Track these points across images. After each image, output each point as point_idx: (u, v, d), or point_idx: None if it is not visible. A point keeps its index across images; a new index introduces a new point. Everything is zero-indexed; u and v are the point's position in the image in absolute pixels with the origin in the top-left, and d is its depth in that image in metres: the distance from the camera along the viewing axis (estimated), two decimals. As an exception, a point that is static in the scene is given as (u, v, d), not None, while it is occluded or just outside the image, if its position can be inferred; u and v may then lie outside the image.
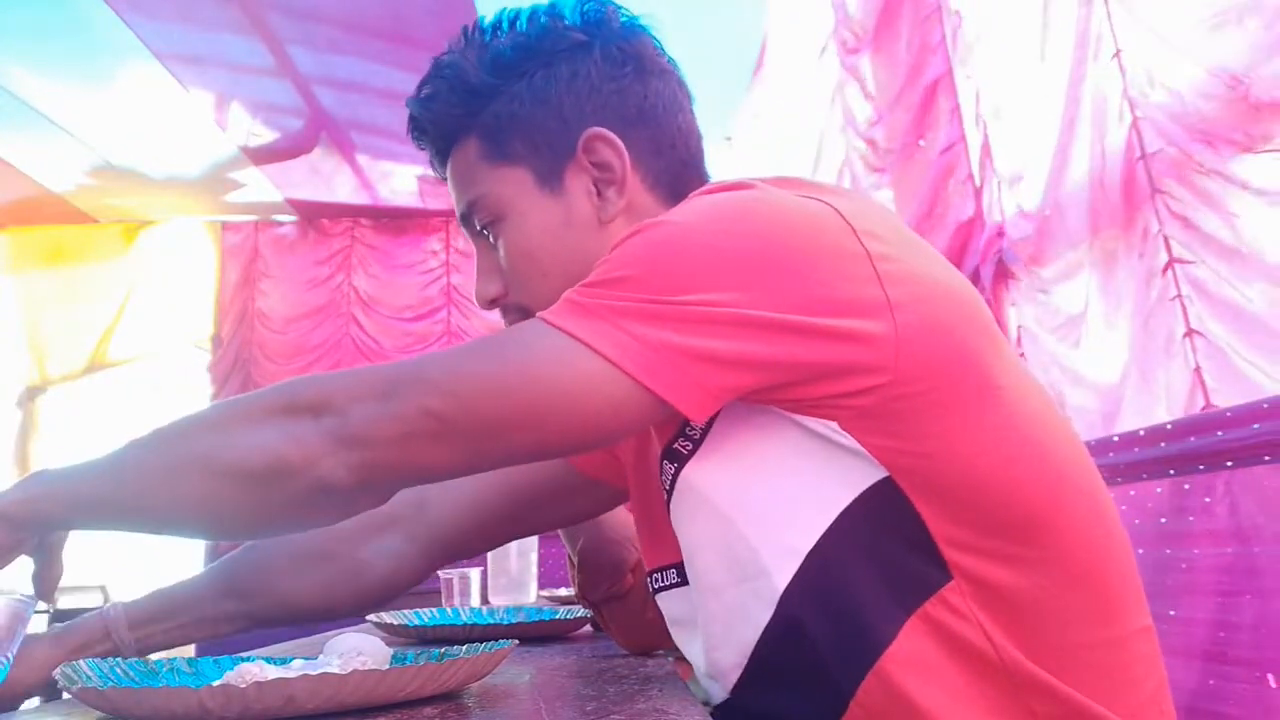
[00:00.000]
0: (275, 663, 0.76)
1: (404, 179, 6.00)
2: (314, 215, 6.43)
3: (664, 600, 0.80)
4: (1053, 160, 2.41)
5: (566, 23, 0.81)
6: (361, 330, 6.45)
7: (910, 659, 0.61)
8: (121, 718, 0.63)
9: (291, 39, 4.39)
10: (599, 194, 0.79)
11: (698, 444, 0.67)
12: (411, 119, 0.86)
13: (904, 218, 2.92)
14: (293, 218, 6.49)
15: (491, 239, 0.82)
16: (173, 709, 0.60)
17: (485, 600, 1.57)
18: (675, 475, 0.68)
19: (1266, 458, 1.59)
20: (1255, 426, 1.60)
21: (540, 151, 0.79)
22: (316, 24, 4.32)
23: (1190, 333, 1.92)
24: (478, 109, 0.80)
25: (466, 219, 0.83)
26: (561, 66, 0.80)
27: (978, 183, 2.79)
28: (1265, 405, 1.59)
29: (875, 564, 0.62)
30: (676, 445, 0.68)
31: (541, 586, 1.63)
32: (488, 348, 0.63)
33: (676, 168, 0.82)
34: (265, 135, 5.29)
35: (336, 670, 0.65)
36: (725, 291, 0.59)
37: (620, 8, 0.84)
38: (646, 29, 0.84)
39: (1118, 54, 2.14)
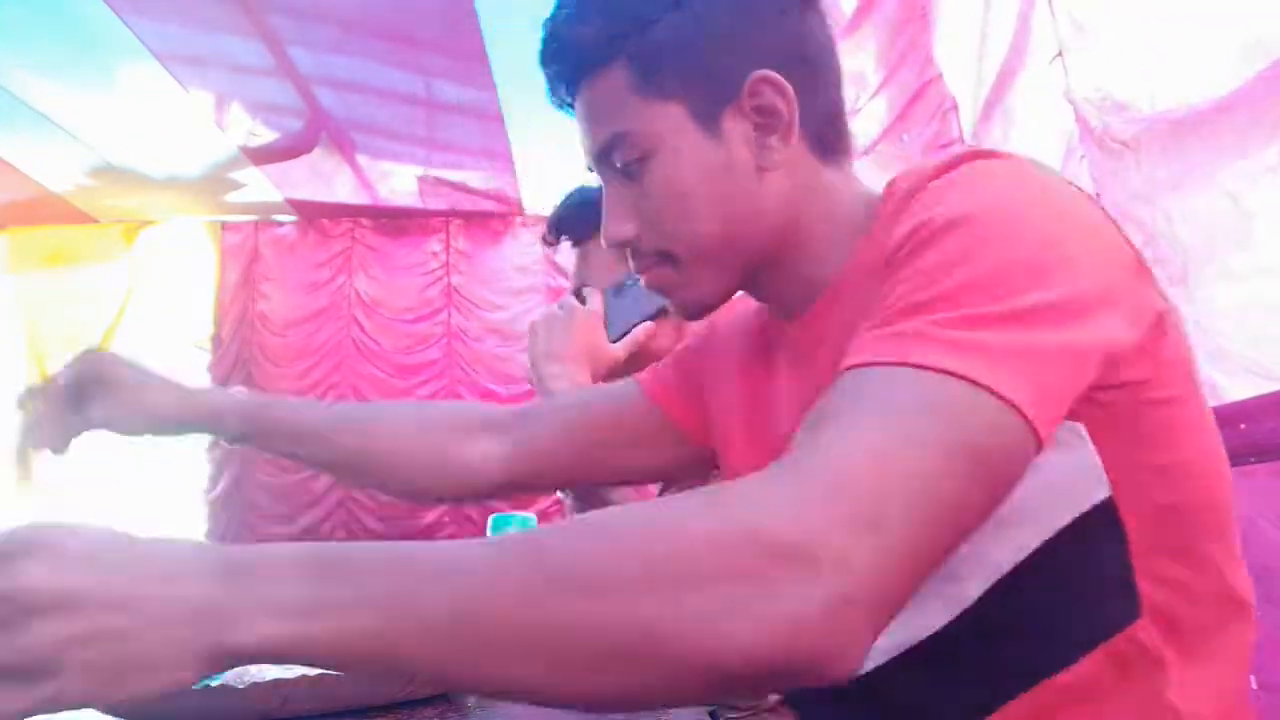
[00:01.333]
0: None
1: (404, 179, 6.00)
2: (314, 215, 6.43)
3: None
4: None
5: None
6: (361, 330, 6.45)
7: (1079, 689, 0.59)
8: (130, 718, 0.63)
9: (291, 39, 4.39)
10: (759, 140, 0.73)
11: None
12: (551, 38, 0.76)
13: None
14: (293, 218, 6.49)
15: (631, 177, 0.74)
16: (179, 708, 0.60)
17: None
18: None
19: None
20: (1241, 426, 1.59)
21: (699, 89, 0.72)
22: (316, 24, 4.31)
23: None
24: (632, 34, 0.72)
25: (604, 155, 0.75)
26: None
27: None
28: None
29: (1072, 592, 0.59)
30: None
31: None
32: (915, 430, 0.49)
33: (827, 117, 0.76)
34: (265, 135, 5.28)
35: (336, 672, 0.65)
36: (1074, 284, 0.54)
37: None
38: None
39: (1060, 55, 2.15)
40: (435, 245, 6.55)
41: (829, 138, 0.76)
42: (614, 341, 1.25)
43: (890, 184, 0.72)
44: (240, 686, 0.60)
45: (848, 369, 0.54)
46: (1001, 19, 2.39)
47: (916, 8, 2.96)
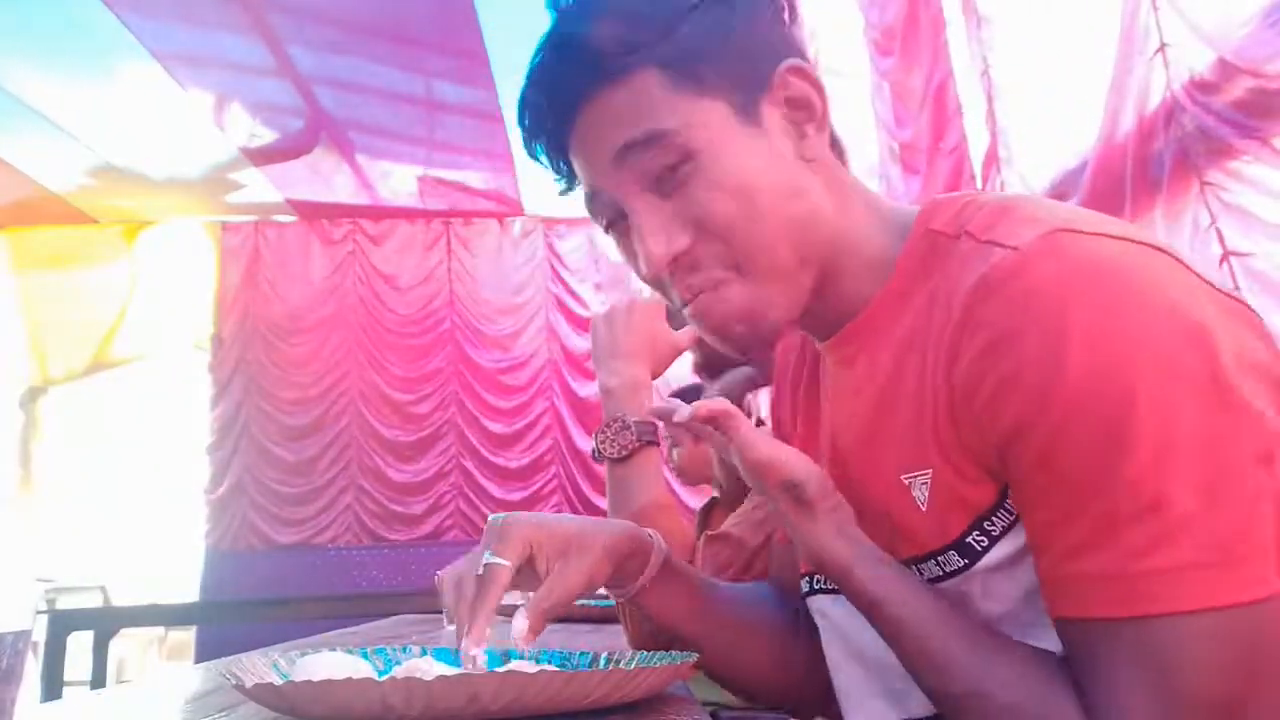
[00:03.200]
0: (442, 659, 0.72)
1: (404, 179, 6.00)
2: (314, 215, 6.43)
3: (824, 602, 0.77)
4: (1079, 158, 2.41)
5: None
6: (361, 330, 6.45)
7: None
8: (294, 716, 0.61)
9: (291, 39, 4.39)
10: (796, 130, 0.71)
11: (995, 541, 0.63)
12: (566, 40, 0.70)
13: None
14: (293, 218, 6.49)
15: (666, 184, 0.68)
16: (352, 705, 0.57)
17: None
18: (964, 568, 0.65)
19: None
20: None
21: (737, 82, 0.69)
22: (316, 24, 4.31)
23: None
24: (662, 35, 0.68)
25: (630, 153, 0.68)
26: None
27: (979, 184, 2.79)
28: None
29: None
30: (971, 539, 0.64)
31: None
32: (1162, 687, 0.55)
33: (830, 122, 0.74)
34: (265, 135, 5.28)
35: (524, 669, 0.62)
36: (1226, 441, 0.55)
37: None
38: None
39: (1162, 48, 2.14)
40: (435, 245, 6.55)
41: (835, 139, 0.74)
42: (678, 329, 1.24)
43: (929, 210, 0.70)
44: (426, 680, 0.57)
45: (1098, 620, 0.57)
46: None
47: (937, 12, 2.98)
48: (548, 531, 0.72)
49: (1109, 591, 0.55)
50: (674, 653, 0.74)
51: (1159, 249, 0.60)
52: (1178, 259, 0.60)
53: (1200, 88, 2.03)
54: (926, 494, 0.65)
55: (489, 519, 0.73)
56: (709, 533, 1.35)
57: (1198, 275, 0.60)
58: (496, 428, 6.31)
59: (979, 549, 0.63)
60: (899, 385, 0.67)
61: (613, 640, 0.96)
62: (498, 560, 0.69)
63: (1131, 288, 0.56)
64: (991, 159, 2.76)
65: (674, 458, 2.57)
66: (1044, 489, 0.57)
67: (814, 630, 0.82)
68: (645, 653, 0.75)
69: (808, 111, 0.70)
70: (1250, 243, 1.95)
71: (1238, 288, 1.96)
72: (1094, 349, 0.55)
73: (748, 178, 0.67)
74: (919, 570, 0.68)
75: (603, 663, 0.75)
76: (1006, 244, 0.60)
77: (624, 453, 1.15)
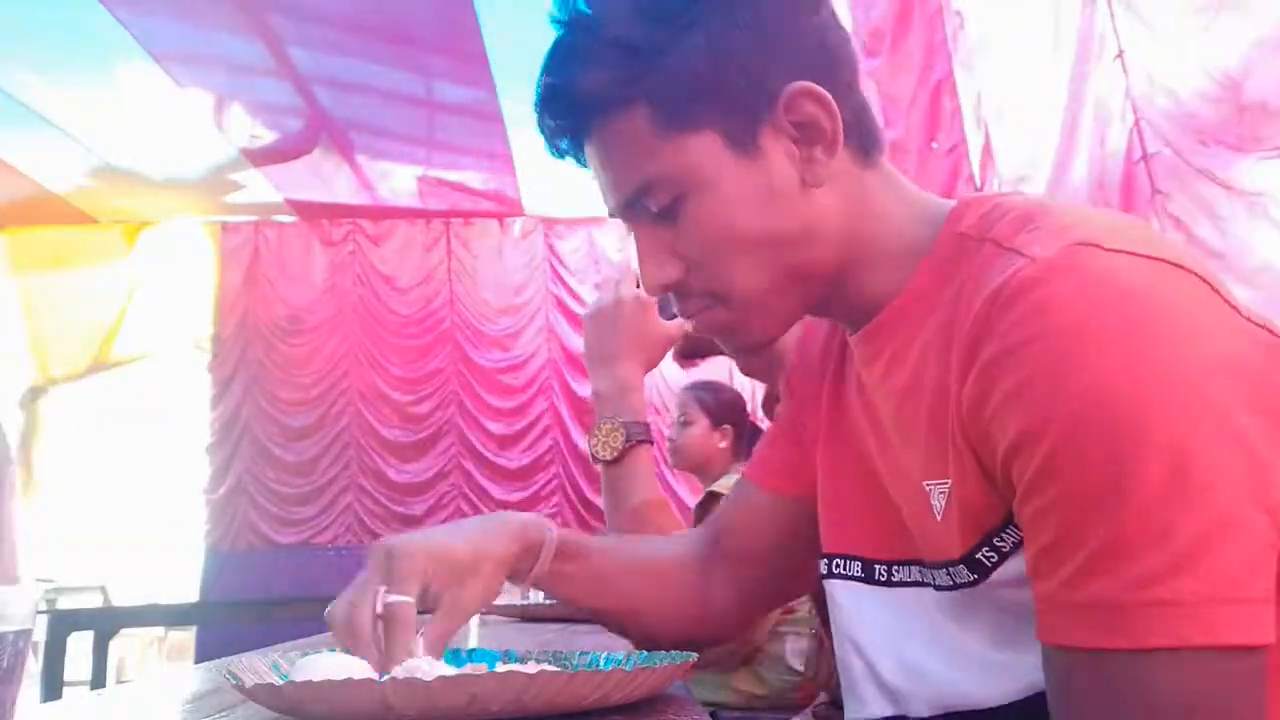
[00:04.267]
0: (451, 660, 0.73)
1: (404, 179, 6.00)
2: (314, 216, 6.43)
3: (837, 588, 0.77)
4: (1054, 161, 2.42)
5: None
6: (362, 330, 6.45)
7: None
8: (294, 716, 0.61)
9: (291, 39, 4.39)
10: (801, 154, 0.68)
11: (1005, 557, 0.62)
12: (552, 93, 0.70)
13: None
14: (293, 218, 6.49)
15: (666, 218, 0.69)
16: (352, 705, 0.58)
17: None
18: (974, 582, 0.64)
19: None
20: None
21: (730, 114, 0.67)
22: (316, 24, 4.32)
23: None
24: (645, 71, 0.66)
25: (634, 201, 0.70)
26: (739, 8, 0.67)
27: (978, 184, 2.79)
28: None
29: None
30: (981, 555, 0.63)
31: None
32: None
33: (858, 115, 0.70)
34: (265, 136, 5.29)
35: (524, 669, 0.62)
36: (1222, 479, 0.52)
37: None
38: None
39: (1120, 55, 2.14)
40: (435, 245, 6.55)
41: (864, 137, 0.71)
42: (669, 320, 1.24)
43: (959, 211, 0.69)
44: (427, 680, 0.57)
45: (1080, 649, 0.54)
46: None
47: (934, 13, 2.98)
48: (438, 560, 0.72)
49: (1106, 620, 0.53)
50: (674, 653, 0.74)
51: (1188, 270, 0.57)
52: (1207, 281, 0.57)
53: (1159, 94, 2.04)
54: (944, 504, 0.65)
55: (373, 545, 0.73)
56: (706, 494, 1.34)
57: (1226, 300, 0.57)
58: (496, 428, 6.31)
59: (989, 564, 0.63)
60: (921, 389, 0.66)
61: (612, 640, 0.96)
62: (399, 598, 0.68)
63: (1149, 310, 0.54)
64: (988, 159, 2.77)
65: (672, 444, 2.59)
66: (1044, 509, 0.55)
67: (729, 576, 0.89)
68: (645, 653, 0.75)
69: (816, 133, 0.68)
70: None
71: None
72: (1104, 368, 0.53)
73: (732, 220, 0.67)
74: (931, 576, 0.67)
75: (603, 663, 0.75)
76: (1026, 253, 0.58)
77: (616, 454, 1.19)
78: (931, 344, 0.65)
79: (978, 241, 0.65)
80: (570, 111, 0.70)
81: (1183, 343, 0.54)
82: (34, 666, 3.11)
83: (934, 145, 3.02)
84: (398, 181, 6.02)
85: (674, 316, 1.22)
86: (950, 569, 0.65)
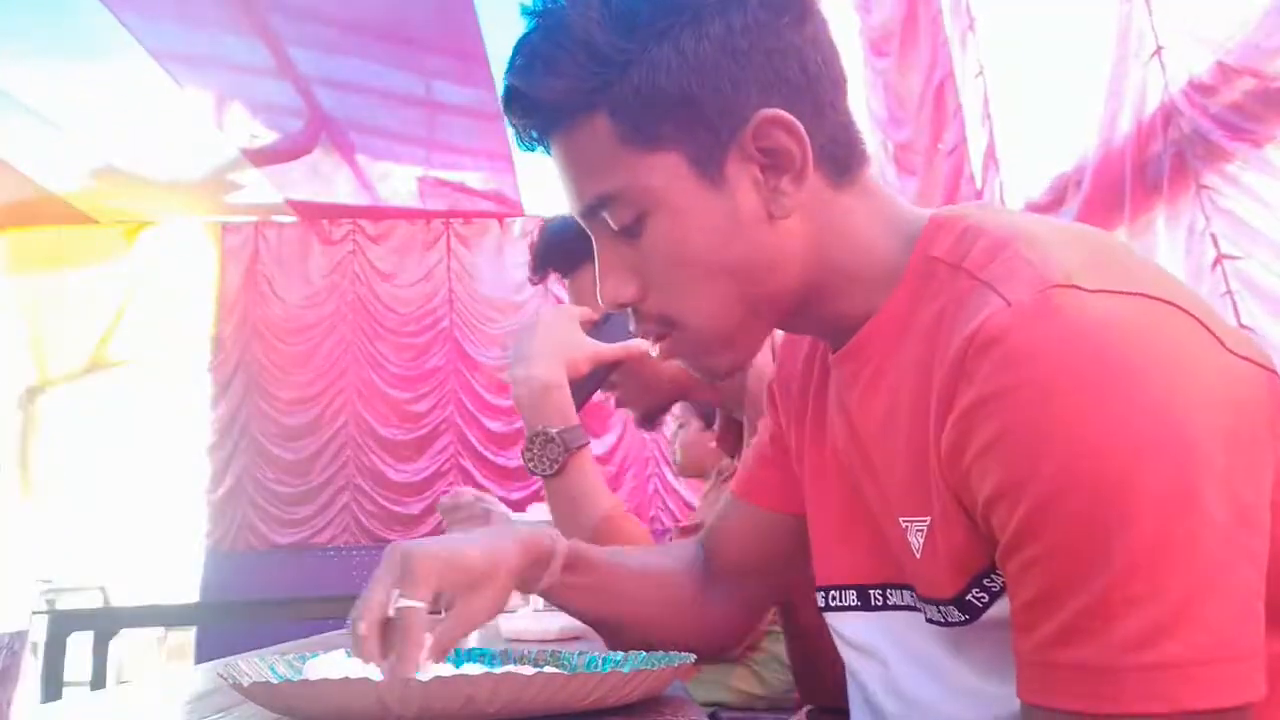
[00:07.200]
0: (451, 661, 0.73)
1: (404, 179, 6.00)
2: (314, 216, 6.44)
3: (837, 621, 0.76)
4: (1095, 159, 2.41)
5: None
6: (361, 330, 6.45)
7: None
8: (292, 716, 0.61)
9: (291, 39, 4.39)
10: (768, 183, 0.65)
11: (996, 597, 0.61)
12: (513, 94, 0.68)
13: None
14: (293, 218, 6.49)
15: (627, 234, 0.68)
16: (350, 705, 0.58)
17: None
18: (966, 622, 0.63)
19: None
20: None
21: (696, 134, 0.64)
22: (316, 24, 4.32)
23: (1241, 329, 1.94)
24: (609, 81, 0.64)
25: (593, 212, 0.68)
26: (712, 22, 0.63)
27: (979, 184, 2.79)
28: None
29: None
30: (971, 597, 0.62)
31: None
32: None
33: (837, 135, 0.67)
34: (265, 136, 5.29)
35: (523, 670, 0.62)
36: (1211, 535, 0.50)
37: None
38: None
39: (1158, 51, 2.14)
40: (435, 244, 6.55)
41: (842, 157, 0.67)
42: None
43: (930, 232, 0.66)
44: (423, 680, 0.57)
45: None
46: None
47: (936, 13, 2.99)
48: (455, 566, 0.70)
49: (1093, 683, 0.51)
50: (672, 654, 0.74)
51: (1170, 303, 0.55)
52: (1190, 313, 0.55)
53: (1198, 90, 2.04)
54: (921, 542, 0.63)
55: (389, 547, 0.70)
56: (679, 525, 1.33)
57: (1211, 331, 0.55)
58: (495, 426, 6.31)
59: (980, 605, 0.61)
60: (898, 419, 0.64)
61: (612, 640, 0.96)
62: (411, 603, 0.66)
63: (1129, 358, 0.52)
64: (990, 160, 2.77)
65: (677, 456, 2.59)
66: (1027, 565, 0.53)
67: (727, 589, 0.90)
68: (644, 654, 0.75)
69: (785, 162, 0.64)
70: (1239, 248, 1.95)
71: (1229, 291, 1.96)
72: (1085, 422, 0.51)
73: (692, 248, 0.65)
74: (923, 608, 0.66)
75: (601, 664, 0.75)
76: (1001, 292, 0.56)
77: (555, 467, 1.13)
78: (908, 372, 0.64)
79: (952, 268, 0.62)
80: (531, 114, 0.68)
81: (1165, 393, 0.51)
82: (34, 667, 3.11)
83: (940, 146, 3.02)
84: (398, 181, 6.02)
85: (617, 340, 1.19)
86: (941, 607, 0.64)
